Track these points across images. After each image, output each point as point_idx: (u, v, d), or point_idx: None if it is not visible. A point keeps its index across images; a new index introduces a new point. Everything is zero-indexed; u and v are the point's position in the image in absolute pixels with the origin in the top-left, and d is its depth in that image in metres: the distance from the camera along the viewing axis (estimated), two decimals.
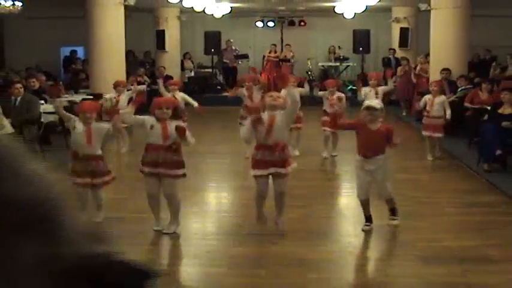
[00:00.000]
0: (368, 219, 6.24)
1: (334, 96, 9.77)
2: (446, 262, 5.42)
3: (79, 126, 6.39)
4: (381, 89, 10.48)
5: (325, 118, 10.00)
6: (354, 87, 19.40)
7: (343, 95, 10.07)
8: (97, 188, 6.56)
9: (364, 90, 10.22)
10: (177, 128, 5.87)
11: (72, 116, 6.56)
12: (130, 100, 10.74)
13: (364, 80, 19.17)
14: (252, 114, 6.06)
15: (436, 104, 9.93)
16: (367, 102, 6.48)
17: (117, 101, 10.47)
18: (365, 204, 6.24)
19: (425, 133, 10.20)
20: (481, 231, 6.34)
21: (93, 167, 6.49)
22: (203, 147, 10.36)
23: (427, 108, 10.04)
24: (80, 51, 21.04)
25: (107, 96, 10.75)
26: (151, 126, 6.05)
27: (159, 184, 6.14)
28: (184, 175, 6.19)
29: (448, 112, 9.90)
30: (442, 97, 10.17)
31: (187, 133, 6.00)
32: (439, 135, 10.09)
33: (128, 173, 9.65)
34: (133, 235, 6.20)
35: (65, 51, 21.36)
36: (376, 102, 6.64)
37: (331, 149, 10.24)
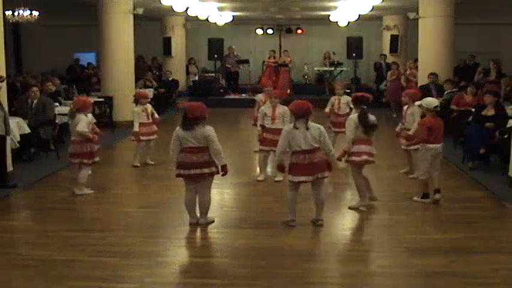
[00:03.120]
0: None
1: (277, 111, 8.37)
2: (433, 253, 5.45)
3: None
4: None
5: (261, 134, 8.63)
6: (348, 90, 19.47)
7: (286, 108, 7.99)
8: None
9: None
10: None
11: None
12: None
13: (357, 89, 19.33)
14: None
15: (408, 115, 8.30)
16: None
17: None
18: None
19: None
20: (466, 225, 6.37)
21: None
22: None
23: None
24: (91, 57, 21.05)
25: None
26: None
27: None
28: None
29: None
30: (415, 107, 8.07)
31: None
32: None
33: (136, 171, 9.68)
34: (141, 228, 6.22)
35: (77, 56, 21.36)
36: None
37: None
